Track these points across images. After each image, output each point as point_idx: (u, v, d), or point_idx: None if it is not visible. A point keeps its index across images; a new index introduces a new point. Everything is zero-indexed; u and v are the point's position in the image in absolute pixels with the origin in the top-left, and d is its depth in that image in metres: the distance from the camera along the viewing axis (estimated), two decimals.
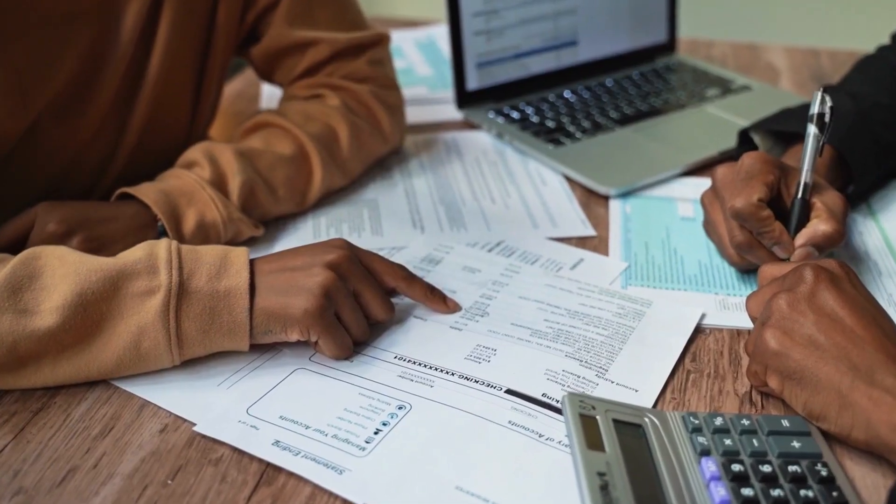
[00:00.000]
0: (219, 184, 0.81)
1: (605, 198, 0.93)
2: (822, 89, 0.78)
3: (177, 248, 0.66)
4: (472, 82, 1.09)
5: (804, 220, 0.76)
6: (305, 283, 0.66)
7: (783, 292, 0.64)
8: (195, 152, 0.83)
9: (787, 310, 0.63)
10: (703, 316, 0.75)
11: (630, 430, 0.60)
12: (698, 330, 0.74)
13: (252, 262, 0.68)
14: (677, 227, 0.88)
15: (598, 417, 0.59)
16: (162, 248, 0.66)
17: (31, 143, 0.79)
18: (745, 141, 0.95)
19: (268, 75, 0.98)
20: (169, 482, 0.58)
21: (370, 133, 0.94)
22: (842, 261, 0.66)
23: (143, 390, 0.65)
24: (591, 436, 0.58)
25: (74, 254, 0.65)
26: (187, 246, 0.67)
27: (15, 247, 0.74)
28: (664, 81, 1.18)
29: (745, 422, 0.61)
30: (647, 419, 0.61)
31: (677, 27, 1.26)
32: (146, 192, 0.78)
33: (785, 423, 0.62)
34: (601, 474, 0.55)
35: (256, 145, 0.86)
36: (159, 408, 0.64)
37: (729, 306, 0.76)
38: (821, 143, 0.77)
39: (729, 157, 0.97)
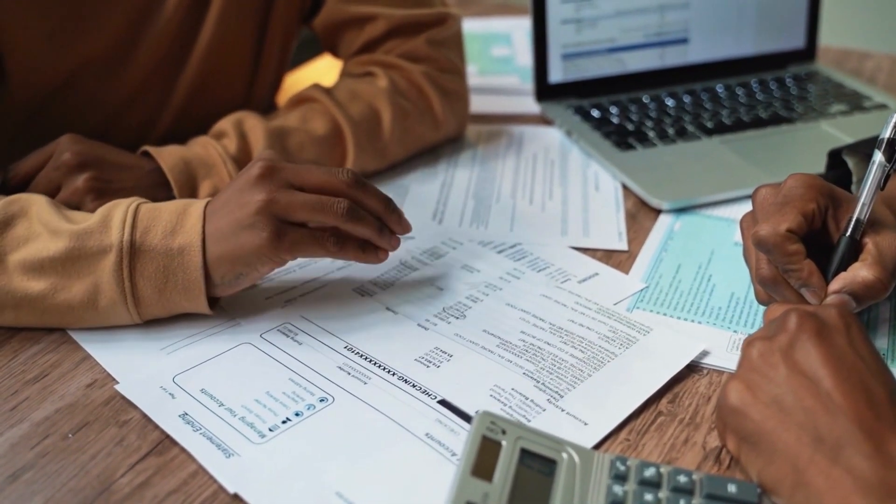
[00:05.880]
0: (243, 159, 0.81)
1: (658, 211, 0.85)
2: None
3: (135, 206, 0.66)
4: (556, 74, 1.02)
5: (848, 262, 0.65)
6: (245, 217, 0.63)
7: (759, 339, 0.55)
8: (227, 123, 0.83)
9: (758, 361, 0.54)
10: (704, 353, 0.66)
11: (538, 465, 0.53)
12: (694, 368, 0.65)
13: (206, 212, 0.66)
14: (725, 253, 0.78)
15: (503, 443, 0.53)
16: (120, 208, 0.66)
17: (69, 97, 0.82)
18: (837, 164, 0.83)
19: (332, 49, 0.97)
20: (70, 436, 0.58)
21: (418, 117, 0.91)
22: (846, 310, 0.56)
23: (91, 343, 0.66)
24: (483, 461, 0.52)
25: (47, 213, 0.66)
26: (150, 204, 0.67)
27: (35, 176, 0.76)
28: (785, 91, 1.06)
29: (683, 478, 0.53)
30: (565, 455, 0.54)
31: (818, 32, 1.12)
32: (166, 155, 0.79)
33: (732, 488, 0.52)
34: None
35: (291, 122, 0.84)
36: (98, 362, 0.65)
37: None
38: (886, 173, 0.65)
39: None
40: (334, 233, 0.66)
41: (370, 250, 0.68)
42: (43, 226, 0.65)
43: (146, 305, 0.66)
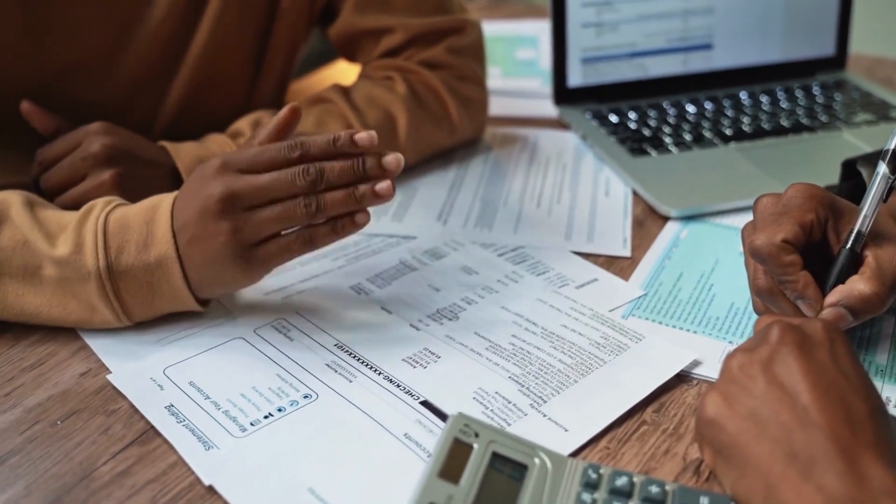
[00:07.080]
0: None
1: (666, 218, 0.84)
2: None
3: (103, 224, 0.65)
4: (575, 78, 1.02)
5: (847, 275, 0.63)
6: (215, 253, 0.64)
7: (740, 351, 0.54)
8: (244, 123, 0.84)
9: (737, 372, 0.53)
10: (695, 363, 0.65)
11: (509, 469, 0.53)
12: (683, 378, 0.64)
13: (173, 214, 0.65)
14: (729, 262, 0.77)
15: (475, 446, 0.53)
16: (90, 224, 0.65)
17: (55, 99, 0.81)
18: (852, 175, 0.81)
19: (349, 57, 0.97)
20: (59, 423, 0.60)
21: (434, 124, 0.91)
22: (831, 324, 0.54)
23: (88, 333, 0.68)
24: (452, 464, 0.52)
25: (27, 224, 0.66)
26: (119, 212, 0.66)
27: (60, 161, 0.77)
28: (811, 100, 1.04)
29: (655, 489, 0.52)
30: (537, 460, 0.54)
31: (849, 40, 1.10)
32: (183, 154, 0.79)
33: (704, 500, 0.52)
34: None
35: (307, 127, 0.84)
36: (94, 352, 0.66)
37: None
38: (889, 185, 0.64)
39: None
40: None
41: (345, 225, 0.65)
42: (25, 236, 0.65)
43: (139, 315, 0.67)
